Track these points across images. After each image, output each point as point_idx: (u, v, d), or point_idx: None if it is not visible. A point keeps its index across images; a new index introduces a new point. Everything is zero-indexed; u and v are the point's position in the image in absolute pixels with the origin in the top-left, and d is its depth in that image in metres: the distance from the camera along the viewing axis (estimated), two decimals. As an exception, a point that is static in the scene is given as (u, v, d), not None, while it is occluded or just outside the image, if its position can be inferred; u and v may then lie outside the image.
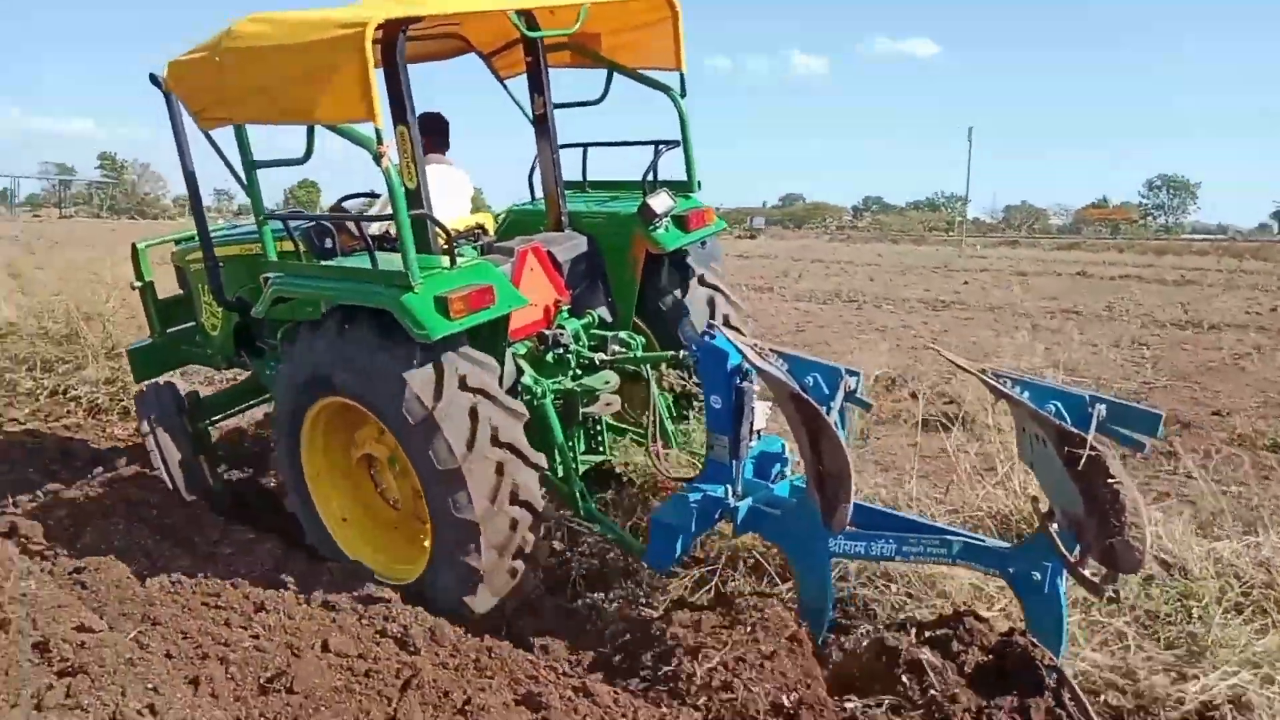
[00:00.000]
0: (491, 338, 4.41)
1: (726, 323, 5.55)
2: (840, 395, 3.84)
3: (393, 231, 5.18)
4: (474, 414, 4.08)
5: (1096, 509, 3.28)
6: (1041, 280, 21.68)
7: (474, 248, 5.17)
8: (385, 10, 3.82)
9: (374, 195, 5.74)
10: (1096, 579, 3.39)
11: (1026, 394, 3.63)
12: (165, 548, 5.14)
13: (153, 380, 6.63)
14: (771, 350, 4.10)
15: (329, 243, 4.88)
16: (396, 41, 4.32)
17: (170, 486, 5.95)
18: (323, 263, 4.53)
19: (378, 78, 3.84)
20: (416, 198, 4.50)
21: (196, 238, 6.38)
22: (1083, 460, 3.23)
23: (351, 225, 4.75)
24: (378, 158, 3.90)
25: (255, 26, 4.18)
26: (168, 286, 6.91)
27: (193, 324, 6.71)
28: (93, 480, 6.43)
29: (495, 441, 4.11)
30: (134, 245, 6.69)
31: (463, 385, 4.11)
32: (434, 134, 5.25)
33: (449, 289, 4.06)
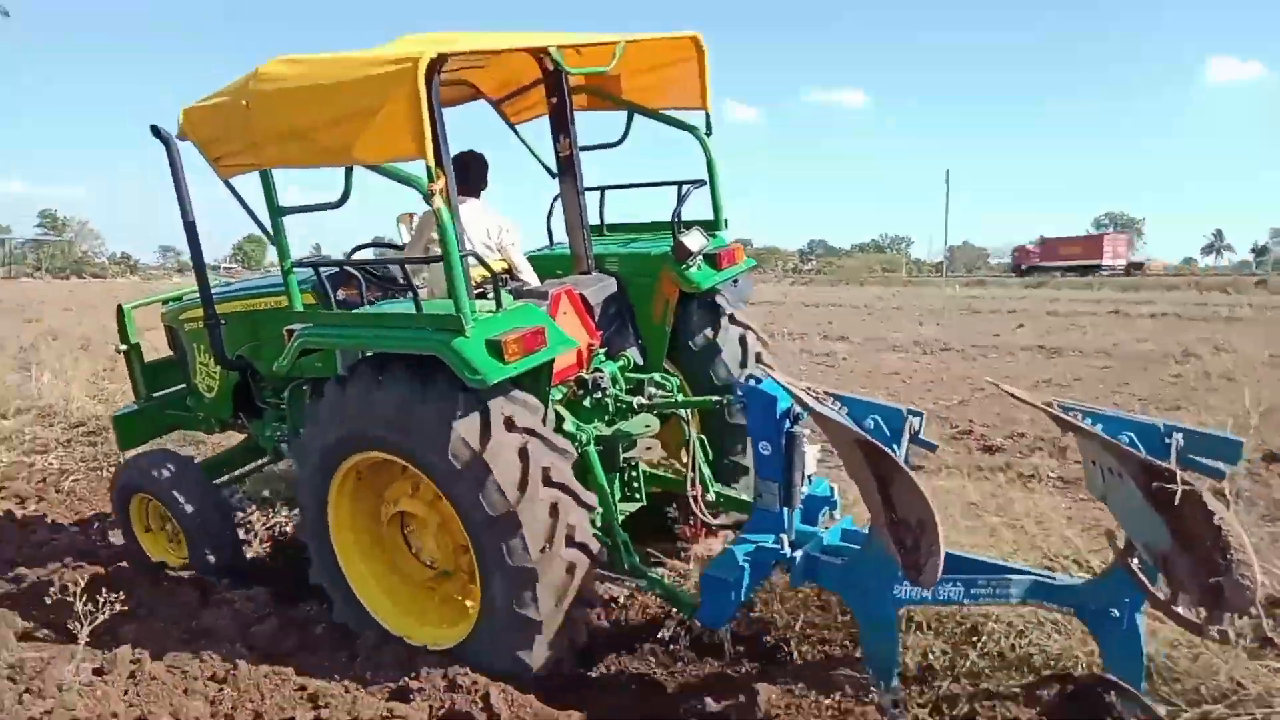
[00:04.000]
0: (534, 383, 4.23)
1: (759, 361, 5.43)
2: (905, 438, 3.71)
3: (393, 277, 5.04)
4: (524, 454, 3.89)
5: (1189, 545, 3.16)
6: (1085, 320, 21.47)
7: (507, 294, 5.01)
8: (434, 46, 3.68)
9: (390, 245, 5.58)
10: (1197, 619, 3.26)
11: (1099, 426, 3.54)
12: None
13: (146, 448, 6.35)
14: (826, 393, 3.97)
15: (341, 294, 4.70)
16: (433, 81, 4.18)
17: (198, 564, 5.63)
18: (358, 310, 4.33)
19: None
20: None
21: (188, 295, 6.22)
22: (1176, 496, 3.11)
23: (362, 273, 4.61)
24: (429, 196, 3.72)
25: (286, 68, 4.01)
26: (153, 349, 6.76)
27: (181, 387, 6.48)
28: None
29: (547, 481, 3.92)
30: (120, 307, 6.47)
31: (509, 425, 3.92)
32: (468, 174, 5.10)
33: (500, 332, 3.88)
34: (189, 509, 5.61)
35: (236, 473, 6.43)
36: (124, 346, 6.51)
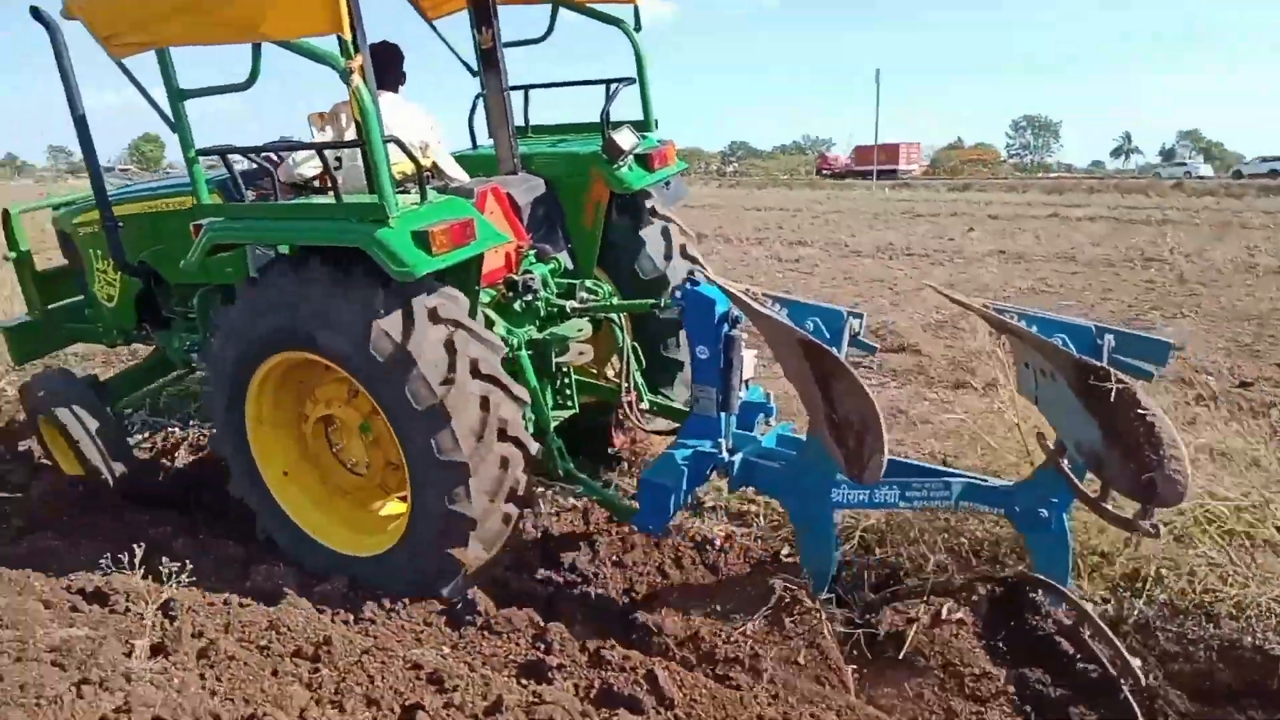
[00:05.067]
0: (463, 282, 4.04)
1: (684, 253, 5.33)
2: (845, 339, 3.67)
3: (309, 178, 4.72)
4: (450, 346, 3.72)
5: (1120, 442, 3.21)
6: (1028, 224, 21.73)
7: (431, 189, 4.75)
8: None
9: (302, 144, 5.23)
10: (1127, 514, 3.33)
11: (1034, 327, 3.56)
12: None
13: (43, 368, 5.95)
14: (765, 295, 3.89)
15: (251, 196, 4.39)
16: None
17: (93, 480, 5.32)
18: (275, 203, 4.05)
19: None
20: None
21: (83, 199, 5.78)
22: (1111, 393, 3.14)
23: (280, 173, 4.28)
24: (346, 74, 3.43)
25: None
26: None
27: (80, 297, 6.08)
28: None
29: (476, 373, 3.76)
30: (4, 211, 5.96)
31: (433, 317, 3.73)
32: (385, 67, 4.76)
33: (428, 223, 3.66)
34: (75, 428, 5.30)
35: (147, 389, 6.07)
36: (12, 255, 6.02)
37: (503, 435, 3.81)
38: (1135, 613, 3.76)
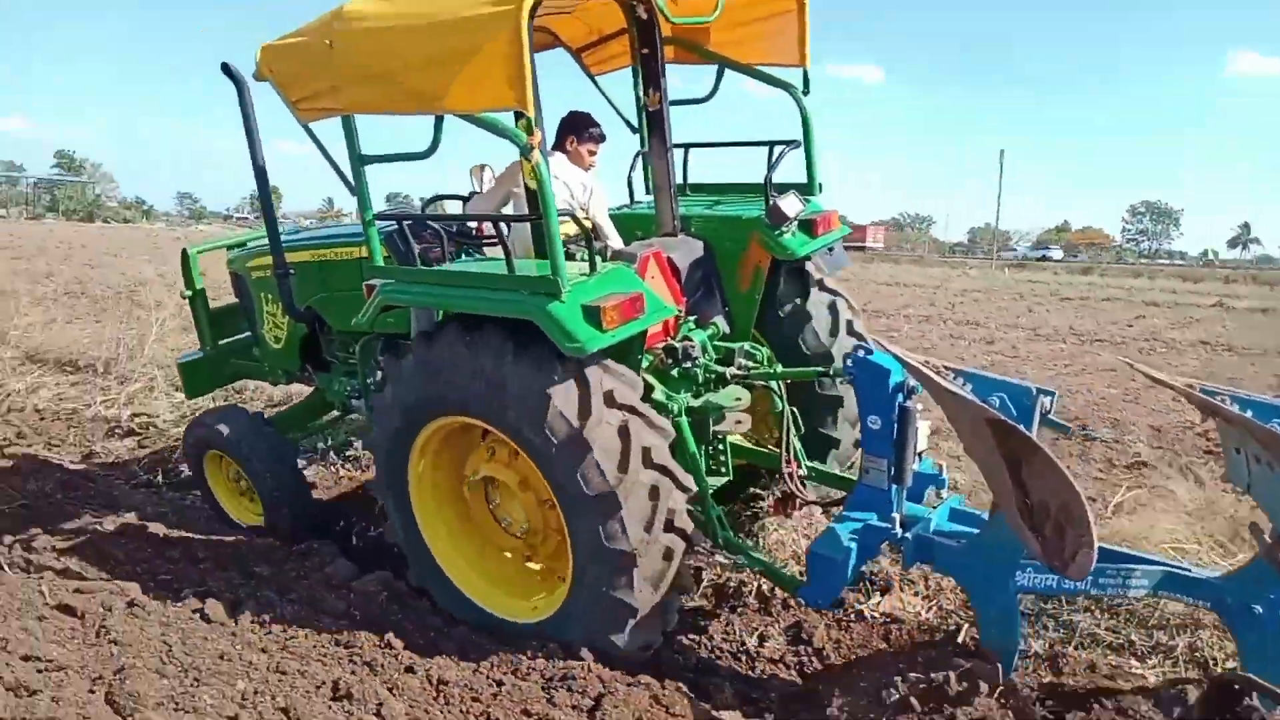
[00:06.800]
0: (626, 351, 4.00)
1: (850, 330, 5.18)
2: (1036, 419, 3.46)
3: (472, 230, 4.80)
4: (624, 433, 3.67)
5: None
6: (1198, 312, 20.37)
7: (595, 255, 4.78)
8: None
9: (462, 197, 5.35)
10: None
11: (1249, 411, 3.28)
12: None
13: (218, 406, 6.23)
14: (946, 368, 3.72)
15: (417, 247, 4.50)
16: (532, 24, 3.90)
17: (277, 525, 5.45)
18: (443, 268, 4.12)
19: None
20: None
21: (254, 242, 6.05)
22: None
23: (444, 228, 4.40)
24: (527, 150, 3.48)
25: (374, 6, 3.75)
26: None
27: (247, 335, 6.34)
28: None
29: (648, 463, 3.70)
30: (184, 252, 6.28)
31: (609, 401, 3.69)
32: (566, 132, 4.86)
33: (597, 297, 3.66)
34: (264, 468, 5.48)
35: (309, 428, 6.30)
36: (189, 292, 6.32)
37: (669, 526, 3.74)
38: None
